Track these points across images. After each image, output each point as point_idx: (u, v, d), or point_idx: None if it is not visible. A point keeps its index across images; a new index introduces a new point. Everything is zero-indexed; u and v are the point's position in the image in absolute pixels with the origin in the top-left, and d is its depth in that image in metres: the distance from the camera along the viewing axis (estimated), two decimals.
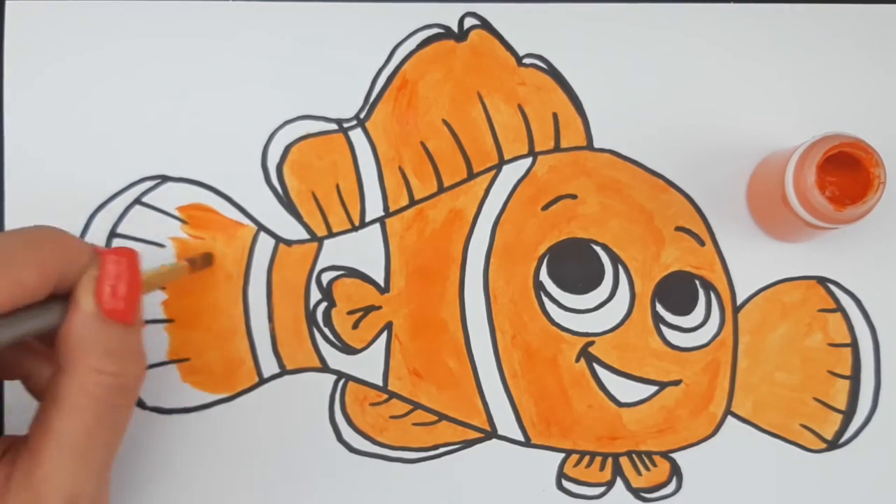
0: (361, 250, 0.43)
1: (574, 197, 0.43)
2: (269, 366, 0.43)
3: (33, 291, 0.31)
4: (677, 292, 0.43)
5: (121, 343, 0.33)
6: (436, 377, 0.42)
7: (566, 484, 0.42)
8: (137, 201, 0.43)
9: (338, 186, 0.43)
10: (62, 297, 0.33)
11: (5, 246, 0.31)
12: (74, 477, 0.32)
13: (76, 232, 0.42)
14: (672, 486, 0.42)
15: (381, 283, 0.43)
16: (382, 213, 0.43)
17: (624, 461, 0.42)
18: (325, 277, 0.43)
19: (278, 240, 0.43)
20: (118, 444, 0.34)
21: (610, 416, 0.42)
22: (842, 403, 0.42)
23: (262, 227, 0.43)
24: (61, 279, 0.32)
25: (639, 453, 0.42)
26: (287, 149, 0.43)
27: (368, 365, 0.43)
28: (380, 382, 0.43)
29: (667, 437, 0.42)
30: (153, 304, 0.42)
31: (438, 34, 0.43)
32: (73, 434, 0.32)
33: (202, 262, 0.42)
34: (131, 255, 0.34)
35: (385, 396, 0.43)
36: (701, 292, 0.43)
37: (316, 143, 0.43)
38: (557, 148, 0.43)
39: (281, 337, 0.43)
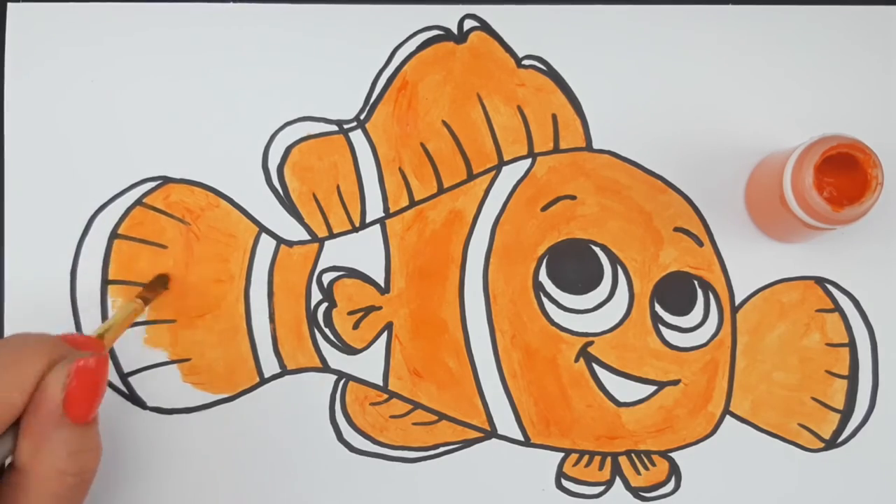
0: (362, 251, 0.43)
1: (573, 198, 0.43)
2: (269, 366, 0.43)
3: (18, 412, 0.32)
4: (676, 292, 0.43)
5: (83, 442, 0.33)
6: (436, 377, 0.43)
7: (566, 483, 0.42)
8: (139, 202, 0.43)
9: (338, 187, 0.43)
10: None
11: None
12: None
13: (77, 233, 0.43)
14: (671, 486, 0.42)
15: (382, 283, 0.43)
16: (383, 214, 0.43)
17: (623, 460, 0.42)
18: (326, 278, 0.43)
19: (279, 241, 0.43)
20: None
21: (609, 415, 0.42)
22: (839, 403, 0.42)
23: (263, 228, 0.43)
24: None
25: (638, 453, 0.42)
26: (288, 150, 0.43)
27: (369, 365, 0.43)
28: (380, 382, 0.43)
29: (665, 437, 0.42)
30: (155, 304, 0.42)
31: (438, 36, 0.44)
32: None
33: (154, 290, 0.41)
34: (102, 363, 0.33)
35: (385, 396, 0.43)
36: (699, 292, 0.43)
37: (316, 145, 0.43)
38: (557, 149, 0.43)
39: (282, 337, 0.43)
